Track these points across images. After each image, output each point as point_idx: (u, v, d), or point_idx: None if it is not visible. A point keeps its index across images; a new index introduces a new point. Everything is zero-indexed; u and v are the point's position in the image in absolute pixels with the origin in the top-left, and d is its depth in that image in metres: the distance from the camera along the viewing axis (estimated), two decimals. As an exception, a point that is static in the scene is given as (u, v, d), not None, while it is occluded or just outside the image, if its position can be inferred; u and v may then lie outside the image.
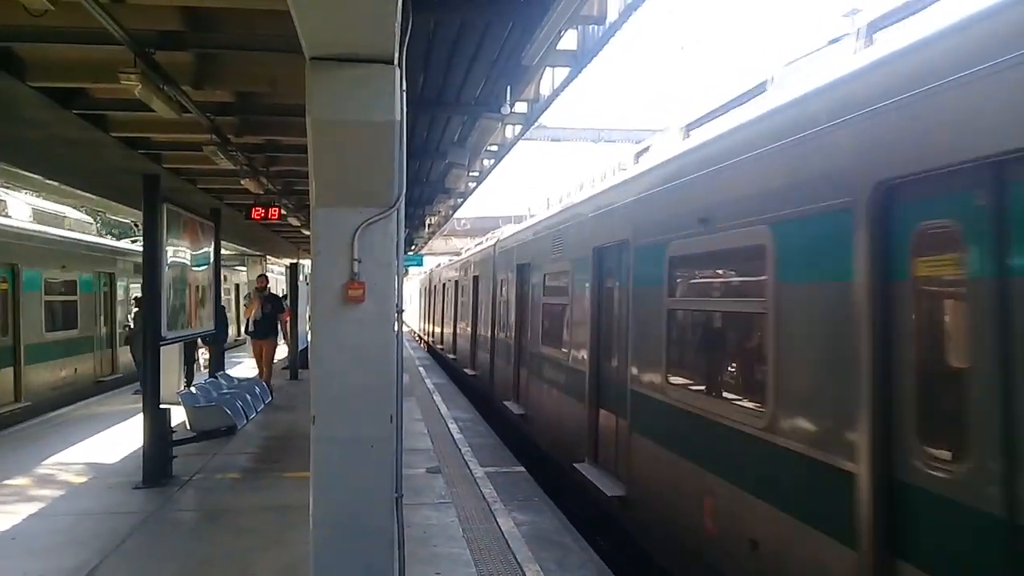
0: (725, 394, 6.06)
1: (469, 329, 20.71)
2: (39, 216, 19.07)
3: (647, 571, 7.28)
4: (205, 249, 12.12)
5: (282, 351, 20.80)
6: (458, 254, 25.82)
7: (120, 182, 13.52)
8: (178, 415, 10.42)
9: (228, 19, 7.46)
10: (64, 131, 10.29)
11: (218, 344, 14.32)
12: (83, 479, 9.64)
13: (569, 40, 8.73)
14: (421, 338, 41.63)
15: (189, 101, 8.56)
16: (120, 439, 11.94)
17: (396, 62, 4.75)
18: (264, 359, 17.24)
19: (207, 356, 22.04)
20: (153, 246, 9.29)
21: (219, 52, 8.26)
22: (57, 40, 7.58)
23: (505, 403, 14.43)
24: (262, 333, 17.13)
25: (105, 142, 10.95)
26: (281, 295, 21.48)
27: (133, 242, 25.05)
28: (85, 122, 10.04)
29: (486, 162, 16.29)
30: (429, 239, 35.29)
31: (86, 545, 7.15)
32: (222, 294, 14.04)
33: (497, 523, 7.94)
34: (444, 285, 28.39)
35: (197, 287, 11.52)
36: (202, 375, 16.77)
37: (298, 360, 20.22)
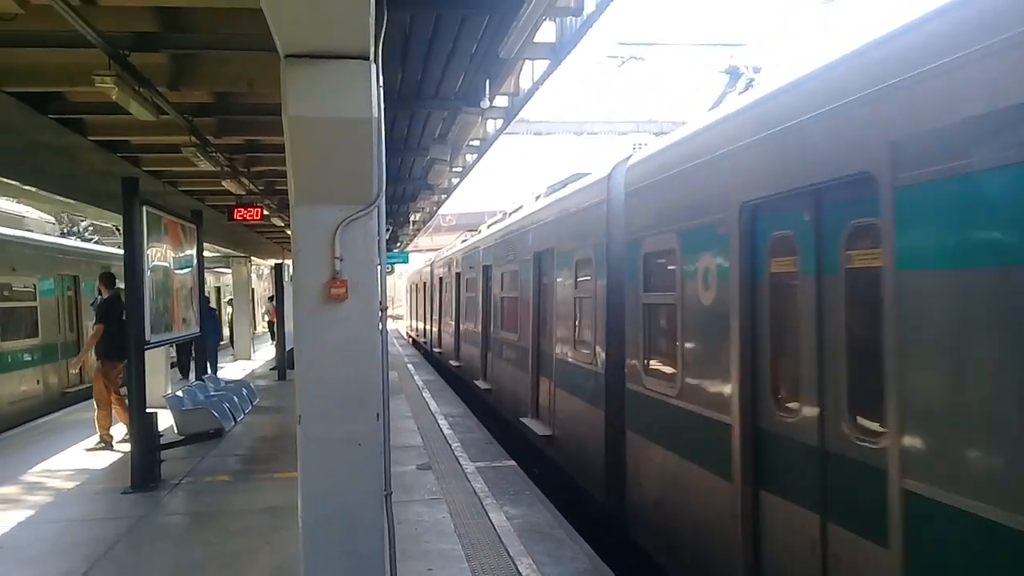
0: None
1: (451, 322, 22.52)
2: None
3: (638, 563, 7.32)
4: (188, 251, 12.06)
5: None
6: (439, 250, 26.10)
7: (99, 186, 13.40)
8: (165, 419, 10.36)
9: (202, 19, 7.41)
10: (41, 136, 10.18)
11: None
12: (70, 485, 9.58)
13: (547, 32, 8.69)
14: (411, 336, 41.03)
15: (166, 103, 8.50)
16: (107, 445, 11.85)
17: (372, 58, 4.71)
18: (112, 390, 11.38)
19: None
20: (134, 250, 9.23)
21: (195, 53, 8.20)
22: (30, 44, 7.52)
23: (475, 382, 17.14)
24: (114, 351, 11.14)
25: (83, 146, 10.86)
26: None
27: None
28: (62, 127, 9.96)
29: (468, 157, 16.22)
30: (415, 236, 35.18)
31: (74, 552, 7.11)
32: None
33: (489, 518, 7.94)
34: (426, 283, 28.55)
35: (181, 289, 11.46)
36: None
37: (286, 360, 20.12)
